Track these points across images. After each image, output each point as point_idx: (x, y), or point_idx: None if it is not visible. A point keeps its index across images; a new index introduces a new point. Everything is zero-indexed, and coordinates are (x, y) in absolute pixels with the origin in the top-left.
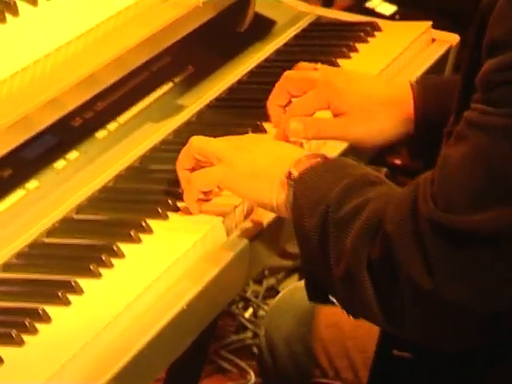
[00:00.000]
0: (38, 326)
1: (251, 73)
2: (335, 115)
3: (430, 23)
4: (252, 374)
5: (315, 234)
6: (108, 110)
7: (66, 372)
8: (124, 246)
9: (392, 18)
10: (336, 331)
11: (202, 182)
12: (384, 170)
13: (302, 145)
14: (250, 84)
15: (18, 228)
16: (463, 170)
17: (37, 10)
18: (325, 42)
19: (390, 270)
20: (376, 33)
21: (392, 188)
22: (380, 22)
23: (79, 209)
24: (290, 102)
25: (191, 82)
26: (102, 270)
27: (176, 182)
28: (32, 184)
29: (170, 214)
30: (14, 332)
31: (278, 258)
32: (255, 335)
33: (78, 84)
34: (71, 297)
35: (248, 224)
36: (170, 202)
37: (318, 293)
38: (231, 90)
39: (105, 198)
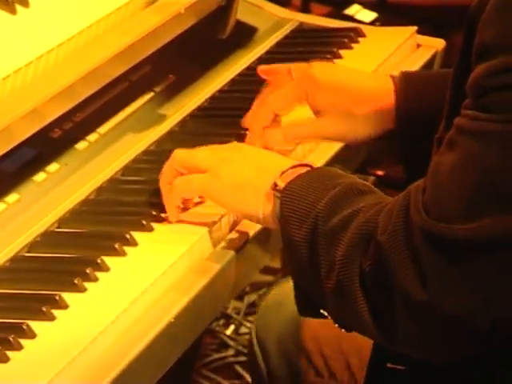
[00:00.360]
0: (22, 341)
1: (233, 81)
2: (314, 111)
3: (414, 28)
4: None
5: (304, 247)
6: (88, 121)
7: None
8: (109, 259)
9: (372, 25)
10: (331, 330)
11: (185, 189)
12: (371, 178)
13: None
14: (232, 92)
15: None
16: (454, 177)
17: (15, 18)
18: (308, 49)
19: (383, 282)
20: (360, 39)
21: (382, 197)
22: (364, 27)
23: (61, 222)
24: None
25: (172, 92)
26: (86, 284)
27: (160, 193)
28: (12, 197)
29: (154, 225)
30: None
31: (258, 273)
32: (237, 353)
33: (58, 94)
34: (56, 312)
35: (235, 234)
36: (154, 213)
37: (308, 306)
38: (213, 98)
39: (87, 210)
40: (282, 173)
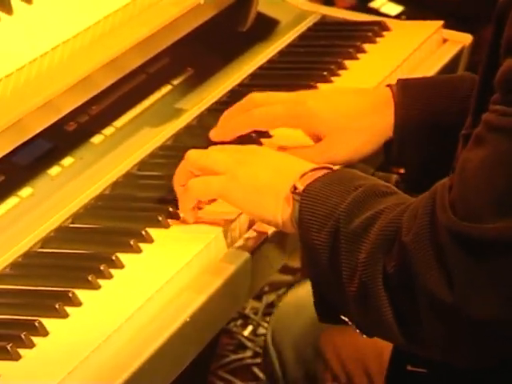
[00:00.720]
0: (34, 339)
1: (253, 75)
2: (313, 138)
3: (441, 22)
4: None
5: (325, 250)
6: (104, 114)
7: None
8: (123, 256)
9: (398, 18)
10: (348, 334)
11: (201, 191)
12: (394, 176)
13: None
14: (252, 87)
15: (12, 237)
16: (482, 174)
17: (31, 8)
18: (330, 43)
19: (407, 283)
20: (384, 33)
21: (404, 198)
22: (389, 21)
23: (75, 217)
24: None
25: (191, 85)
26: (100, 281)
27: None
28: (26, 191)
29: (171, 222)
30: (9, 346)
31: (277, 272)
32: (255, 354)
33: (73, 87)
34: (69, 309)
35: (251, 234)
36: (170, 209)
37: (328, 312)
38: (233, 92)
39: (102, 205)
40: (302, 175)
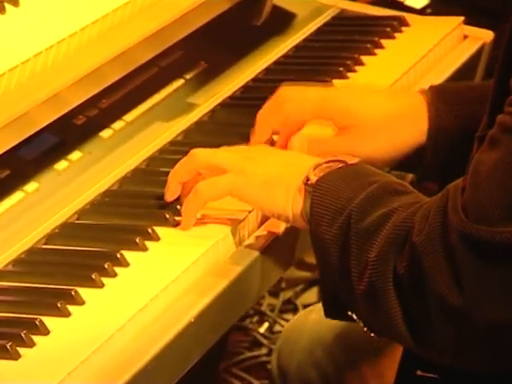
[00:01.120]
0: (35, 338)
1: (268, 70)
2: (340, 130)
3: (461, 18)
4: None
5: (335, 246)
6: (114, 108)
7: None
8: (129, 254)
9: (423, 11)
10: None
11: (210, 192)
12: (410, 176)
13: None
14: (266, 82)
15: (15, 233)
16: (496, 177)
17: (39, 0)
18: (348, 38)
19: (418, 285)
20: (403, 28)
21: (419, 197)
22: (408, 16)
23: (81, 213)
24: None
25: (203, 79)
26: (104, 280)
27: None
28: (31, 186)
29: (178, 219)
30: (9, 344)
31: (295, 268)
32: (270, 352)
33: (82, 79)
34: (71, 307)
35: (260, 233)
36: (178, 207)
37: (336, 308)
38: (246, 88)
39: (109, 202)
40: (315, 167)
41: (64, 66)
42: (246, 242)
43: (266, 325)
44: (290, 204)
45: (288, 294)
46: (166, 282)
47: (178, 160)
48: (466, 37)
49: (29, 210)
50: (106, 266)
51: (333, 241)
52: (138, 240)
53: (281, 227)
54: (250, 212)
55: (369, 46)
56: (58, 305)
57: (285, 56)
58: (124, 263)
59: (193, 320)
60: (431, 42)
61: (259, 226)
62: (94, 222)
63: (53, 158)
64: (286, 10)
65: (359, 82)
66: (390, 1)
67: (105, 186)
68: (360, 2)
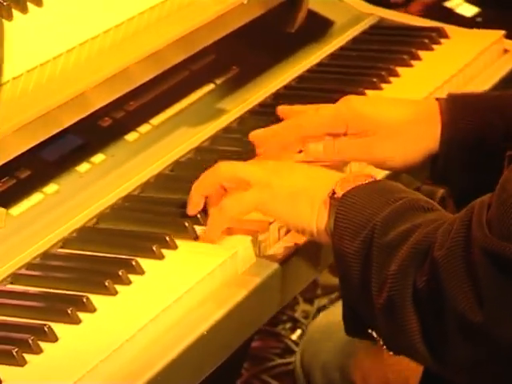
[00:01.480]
0: (42, 344)
1: (301, 77)
2: (355, 135)
3: (502, 32)
4: None
5: (357, 260)
6: (141, 111)
7: None
8: (144, 262)
9: (473, 20)
10: (377, 361)
11: (236, 208)
12: (441, 191)
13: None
14: (298, 90)
15: (31, 235)
16: None
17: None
18: (385, 48)
19: (437, 300)
20: (442, 40)
21: (444, 215)
22: (448, 28)
23: (100, 218)
24: None
25: (234, 85)
26: (118, 287)
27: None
28: (51, 188)
29: (197, 228)
30: (15, 350)
31: (330, 275)
32: None
33: (107, 81)
34: (82, 315)
35: (282, 244)
36: (199, 216)
37: (356, 326)
38: (277, 95)
39: (129, 207)
40: (342, 181)
41: (88, 66)
42: (267, 253)
43: (298, 332)
44: (315, 218)
45: (323, 301)
46: (180, 292)
47: (203, 166)
48: (506, 51)
49: (47, 212)
50: (120, 273)
51: (355, 255)
52: (154, 248)
53: (303, 239)
54: (271, 223)
55: (405, 57)
56: (69, 311)
57: (319, 64)
58: (139, 271)
59: (205, 333)
60: (470, 55)
61: (281, 238)
62: (112, 227)
63: (75, 159)
64: (323, 17)
65: (392, 93)
66: (440, 8)
67: (126, 191)
68: (414, 6)
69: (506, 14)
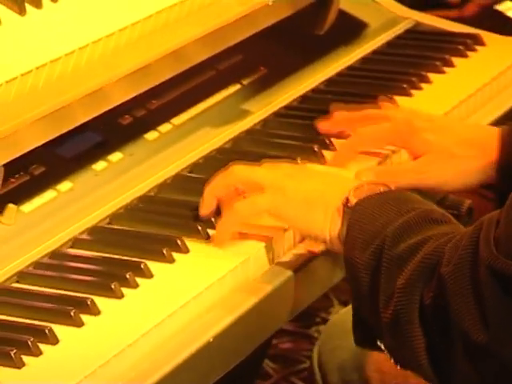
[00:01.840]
0: (42, 346)
1: (330, 81)
2: (413, 157)
3: None
4: None
5: (366, 271)
6: (163, 110)
7: None
8: (154, 265)
9: None
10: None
11: (248, 212)
12: (467, 202)
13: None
14: (326, 93)
15: (42, 233)
16: None
17: None
18: (418, 53)
19: (442, 318)
20: (478, 47)
21: (457, 228)
22: (485, 35)
23: (113, 218)
24: None
25: (261, 86)
26: (124, 290)
27: None
28: (65, 185)
29: (211, 232)
30: (13, 352)
31: None
32: None
33: (126, 77)
34: (85, 317)
35: (296, 251)
36: (213, 220)
37: (366, 336)
38: (305, 98)
39: (143, 208)
40: (357, 188)
41: (104, 63)
42: (280, 260)
43: None
44: (328, 225)
45: None
46: (188, 297)
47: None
48: None
49: (59, 210)
50: (127, 275)
51: (364, 266)
52: (165, 251)
53: (318, 247)
54: (286, 230)
55: (438, 63)
56: (72, 313)
57: (350, 67)
58: (147, 274)
59: (211, 340)
60: (505, 63)
61: (295, 245)
62: (123, 228)
63: (92, 157)
64: (357, 19)
65: (422, 100)
66: (491, 11)
67: (142, 191)
68: (471, 6)
69: None
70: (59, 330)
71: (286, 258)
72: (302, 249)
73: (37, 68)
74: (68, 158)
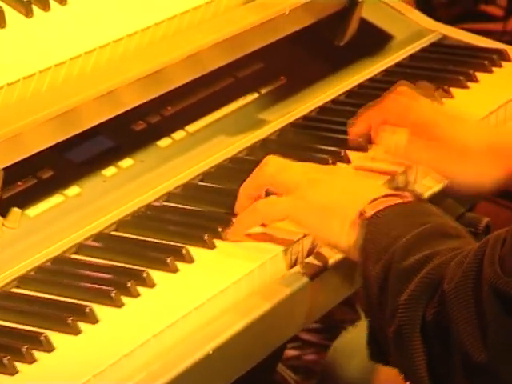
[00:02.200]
0: (36, 354)
1: (351, 92)
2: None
3: None
4: None
5: (376, 284)
6: (178, 117)
7: None
8: (157, 274)
9: None
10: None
11: (268, 212)
12: (485, 220)
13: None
14: (346, 105)
15: (46, 238)
16: None
17: None
18: (442, 67)
19: (443, 335)
20: (503, 63)
21: (467, 242)
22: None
23: (120, 225)
24: None
25: (279, 95)
26: (124, 299)
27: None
28: (73, 190)
29: (217, 242)
30: (6, 358)
31: None
32: None
33: (138, 81)
34: (82, 325)
35: (313, 258)
36: (220, 229)
37: (380, 350)
38: (323, 109)
39: (150, 215)
40: (372, 200)
41: (120, 63)
42: (295, 268)
43: None
44: (345, 235)
45: None
46: (189, 308)
47: (235, 178)
48: None
49: (65, 215)
50: (128, 284)
51: (375, 279)
52: (169, 260)
53: (337, 255)
54: (304, 236)
55: (461, 78)
56: (69, 321)
57: (372, 79)
58: (149, 283)
59: (211, 352)
60: None
61: (311, 252)
62: (129, 236)
63: (102, 162)
64: (383, 31)
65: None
66: None
67: (150, 199)
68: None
69: None
70: (56, 337)
71: (302, 265)
72: (319, 256)
73: (40, 72)
74: (78, 162)
